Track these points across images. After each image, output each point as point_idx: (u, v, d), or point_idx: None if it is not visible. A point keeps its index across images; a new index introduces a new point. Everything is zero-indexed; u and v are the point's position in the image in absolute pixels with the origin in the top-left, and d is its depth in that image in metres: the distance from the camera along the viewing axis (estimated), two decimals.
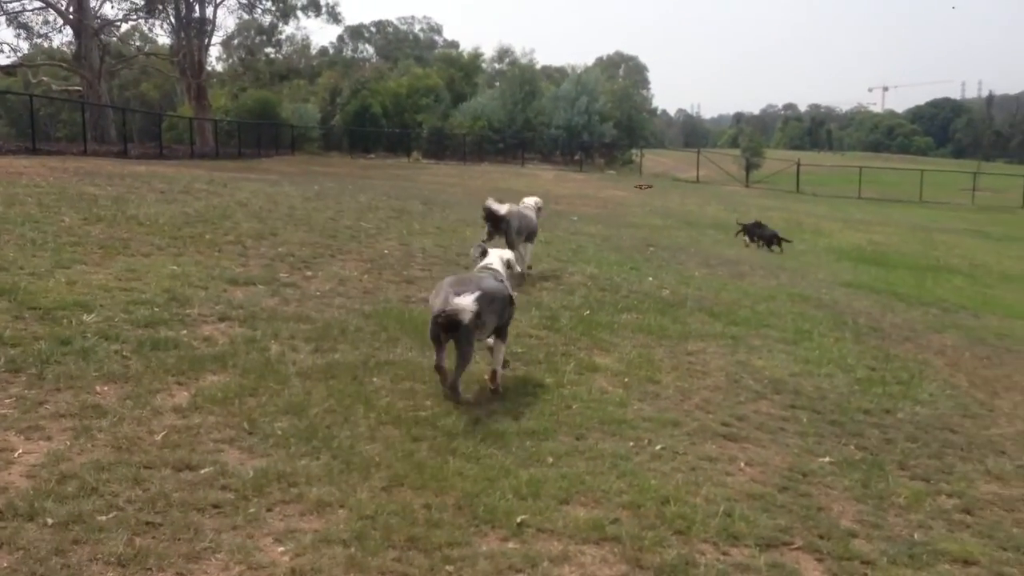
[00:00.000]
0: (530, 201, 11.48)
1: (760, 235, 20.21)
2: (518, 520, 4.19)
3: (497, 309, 6.10)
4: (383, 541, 3.83)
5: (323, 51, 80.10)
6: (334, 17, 55.35)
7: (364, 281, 9.24)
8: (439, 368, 5.84)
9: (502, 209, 10.25)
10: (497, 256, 6.91)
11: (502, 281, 6.43)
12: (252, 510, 3.97)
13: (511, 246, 9.91)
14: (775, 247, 19.74)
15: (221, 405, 5.17)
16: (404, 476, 4.52)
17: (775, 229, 20.56)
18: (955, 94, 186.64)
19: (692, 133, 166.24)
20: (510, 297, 6.36)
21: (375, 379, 6.01)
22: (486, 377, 6.18)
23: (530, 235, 10.92)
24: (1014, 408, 7.71)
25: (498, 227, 10.25)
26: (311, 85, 66.80)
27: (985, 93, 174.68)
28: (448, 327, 5.65)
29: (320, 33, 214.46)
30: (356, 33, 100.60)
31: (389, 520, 4.02)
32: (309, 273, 9.26)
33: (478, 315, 5.66)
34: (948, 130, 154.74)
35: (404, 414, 5.40)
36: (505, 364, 6.45)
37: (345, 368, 6.14)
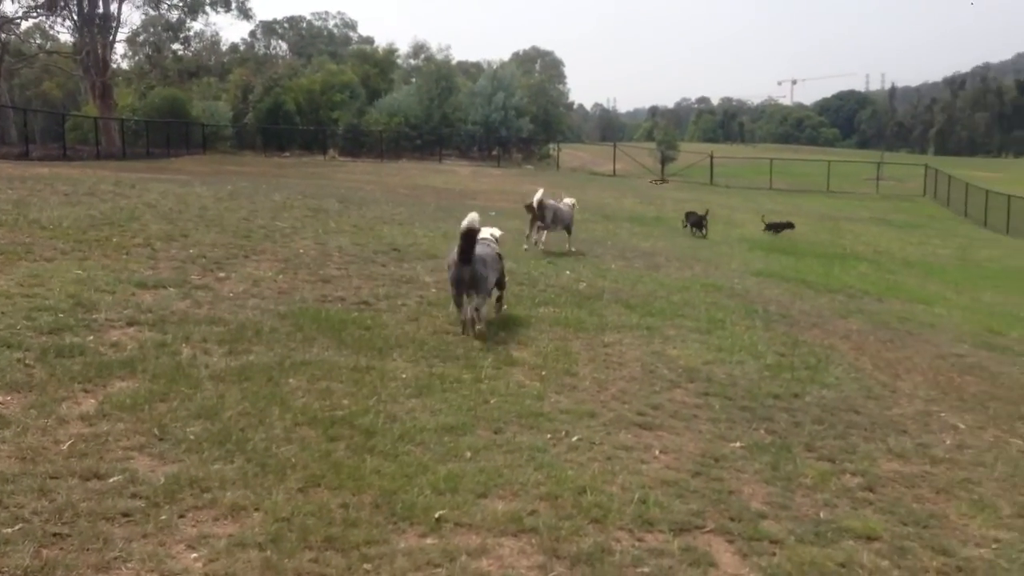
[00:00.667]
0: (568, 200, 15.37)
1: (692, 220, 22.57)
2: (436, 516, 4.21)
3: (496, 267, 8.12)
4: (299, 543, 3.81)
5: (234, 48, 78.53)
6: (244, 13, 54.45)
7: (279, 281, 9.12)
8: (464, 321, 7.76)
9: (547, 200, 14.21)
10: (488, 232, 8.65)
11: (493, 247, 8.33)
12: (164, 517, 3.90)
13: (546, 229, 14.27)
14: (698, 231, 21.92)
15: (130, 412, 5.06)
16: (321, 476, 4.49)
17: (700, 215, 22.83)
18: (860, 86, 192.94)
19: (608, 127, 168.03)
20: (500, 256, 8.41)
21: (291, 380, 5.96)
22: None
23: (567, 226, 14.77)
24: (914, 388, 8.03)
25: (541, 215, 14.14)
26: (222, 83, 65.45)
27: (888, 85, 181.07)
28: (467, 250, 7.49)
29: (231, 29, 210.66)
30: (269, 29, 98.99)
31: (305, 521, 3.99)
32: (222, 274, 9.11)
33: (484, 263, 7.68)
34: (853, 121, 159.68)
35: (321, 414, 5.36)
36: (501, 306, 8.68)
37: (260, 370, 6.06)
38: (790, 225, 24.76)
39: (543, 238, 14.37)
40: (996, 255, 26.84)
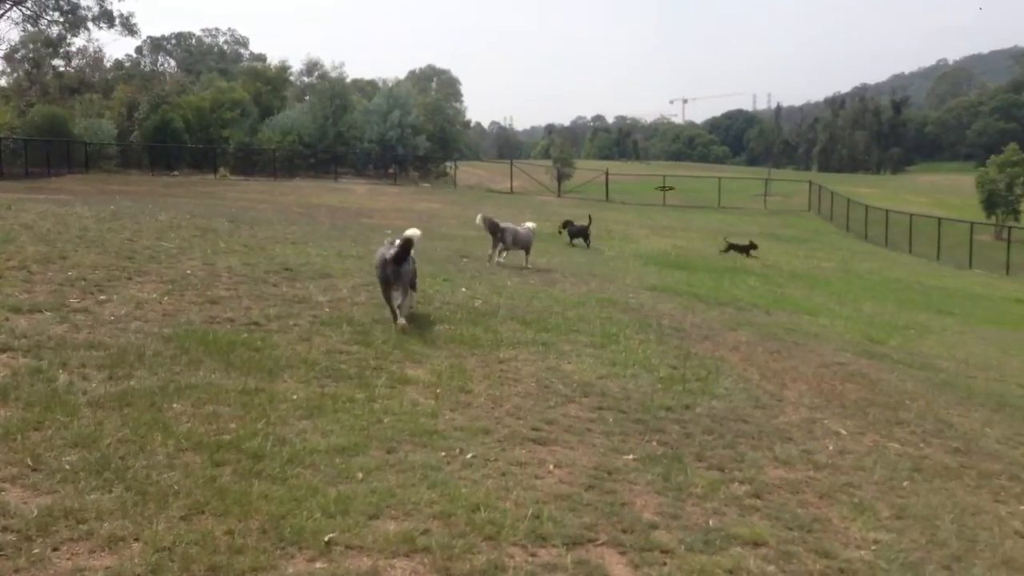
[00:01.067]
0: (529, 224, 17.16)
1: (572, 231, 22.96)
2: (326, 539, 4.13)
3: (412, 269, 9.22)
4: (181, 572, 3.68)
5: (119, 64, 76.19)
6: (129, 28, 53.11)
7: (164, 303, 8.82)
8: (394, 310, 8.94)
9: (501, 223, 16.27)
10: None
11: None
12: (36, 551, 3.71)
13: (504, 250, 16.27)
14: (580, 240, 22.57)
15: (2, 441, 4.80)
16: (205, 503, 4.35)
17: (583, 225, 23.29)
18: (748, 106, 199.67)
19: (505, 145, 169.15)
20: (414, 260, 9.35)
21: (175, 405, 5.76)
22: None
23: (526, 247, 16.47)
24: (799, 397, 8.28)
25: (502, 237, 16.15)
26: (107, 100, 63.33)
27: (774, 105, 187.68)
28: (401, 255, 8.82)
29: (115, 45, 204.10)
30: (157, 46, 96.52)
31: (188, 550, 3.86)
32: (103, 297, 8.76)
33: (406, 261, 8.90)
34: (742, 139, 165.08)
35: (206, 439, 5.20)
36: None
37: (142, 395, 5.84)
38: (753, 246, 25.33)
39: (502, 257, 16.30)
40: (876, 267, 28.06)
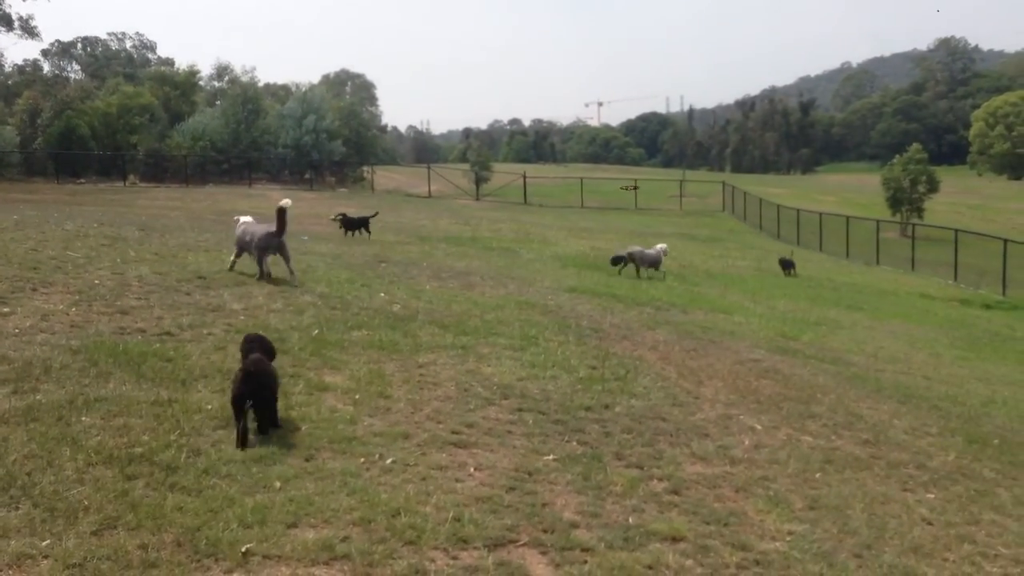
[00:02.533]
0: (660, 246, 20.62)
1: (349, 224, 22.72)
2: (243, 549, 4.07)
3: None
4: None
5: (21, 69, 73.63)
6: (29, 31, 51.31)
7: (71, 314, 8.55)
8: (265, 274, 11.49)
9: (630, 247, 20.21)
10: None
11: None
12: None
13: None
14: (360, 232, 22.53)
15: None
16: (117, 517, 4.24)
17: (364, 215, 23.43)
18: (661, 108, 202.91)
19: (423, 149, 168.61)
20: None
21: (84, 418, 5.59)
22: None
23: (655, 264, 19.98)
24: (716, 394, 8.46)
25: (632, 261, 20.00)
26: (8, 106, 61.08)
27: (686, 107, 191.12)
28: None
29: (15, 49, 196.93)
30: (62, 50, 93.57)
31: (99, 566, 3.76)
32: (6, 309, 8.45)
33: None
34: (657, 141, 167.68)
35: (117, 452, 5.07)
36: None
37: (49, 409, 5.66)
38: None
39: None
40: None
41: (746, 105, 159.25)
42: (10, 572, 3.68)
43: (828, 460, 6.82)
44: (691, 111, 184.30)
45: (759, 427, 7.42)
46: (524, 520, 4.82)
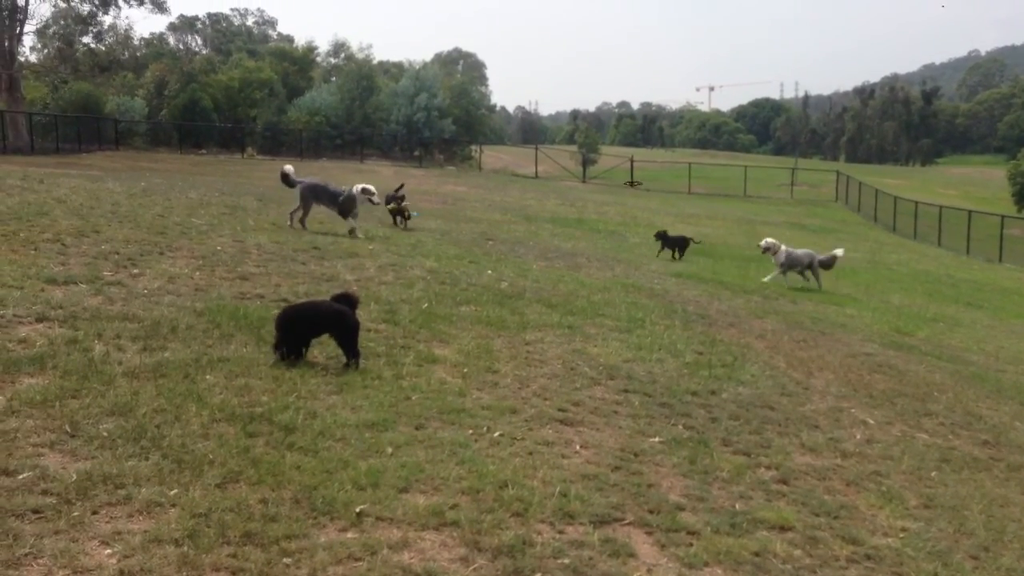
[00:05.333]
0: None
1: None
2: (357, 510, 4.19)
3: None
4: (217, 538, 3.75)
5: (149, 42, 76.63)
6: (159, 6, 53.05)
7: (196, 278, 8.93)
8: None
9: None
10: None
11: None
12: (76, 514, 3.80)
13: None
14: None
15: (40, 408, 4.91)
16: (239, 472, 4.42)
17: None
18: (775, 94, 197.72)
19: (530, 130, 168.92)
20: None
21: (208, 376, 5.84)
22: None
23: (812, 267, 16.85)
24: (826, 386, 8.27)
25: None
26: (138, 78, 63.71)
27: (801, 94, 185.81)
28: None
29: (144, 23, 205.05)
30: (187, 24, 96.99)
31: (223, 517, 3.93)
32: (136, 271, 8.87)
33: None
34: (769, 128, 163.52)
35: (239, 410, 5.28)
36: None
37: (176, 366, 5.93)
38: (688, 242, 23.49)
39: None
40: (904, 259, 27.84)
41: (865, 92, 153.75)
42: (141, 518, 3.88)
43: (944, 459, 6.60)
44: (806, 97, 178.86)
45: (871, 422, 7.23)
46: (630, 499, 4.82)
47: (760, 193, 53.72)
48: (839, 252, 17.87)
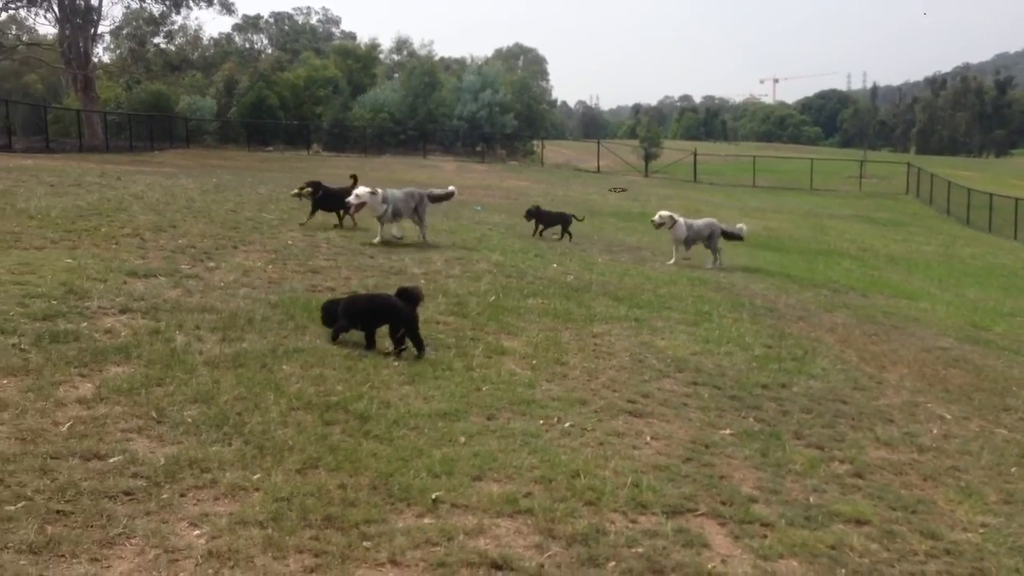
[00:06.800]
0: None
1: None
2: (433, 497, 4.26)
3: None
4: (299, 521, 3.85)
5: (216, 42, 78.14)
6: (227, 7, 54.13)
7: (269, 271, 9.14)
8: None
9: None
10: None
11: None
12: (165, 496, 3.94)
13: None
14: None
15: (127, 395, 5.09)
16: (318, 459, 4.53)
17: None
18: (841, 85, 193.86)
19: (591, 124, 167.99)
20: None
21: (284, 366, 5.99)
22: None
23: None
24: (900, 380, 8.13)
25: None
26: (207, 77, 65.08)
27: (869, 84, 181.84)
28: None
29: (213, 24, 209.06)
30: (251, 24, 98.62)
31: (305, 501, 4.04)
32: (211, 264, 9.11)
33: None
34: (836, 120, 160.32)
35: (315, 399, 5.40)
36: None
37: (253, 356, 6.09)
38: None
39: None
40: (979, 252, 27.11)
41: (936, 82, 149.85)
42: (226, 501, 4.00)
43: None
44: (875, 88, 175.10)
45: (948, 416, 7.09)
46: (702, 491, 4.82)
47: (827, 186, 52.79)
48: (743, 227, 16.47)
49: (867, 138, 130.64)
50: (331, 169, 34.84)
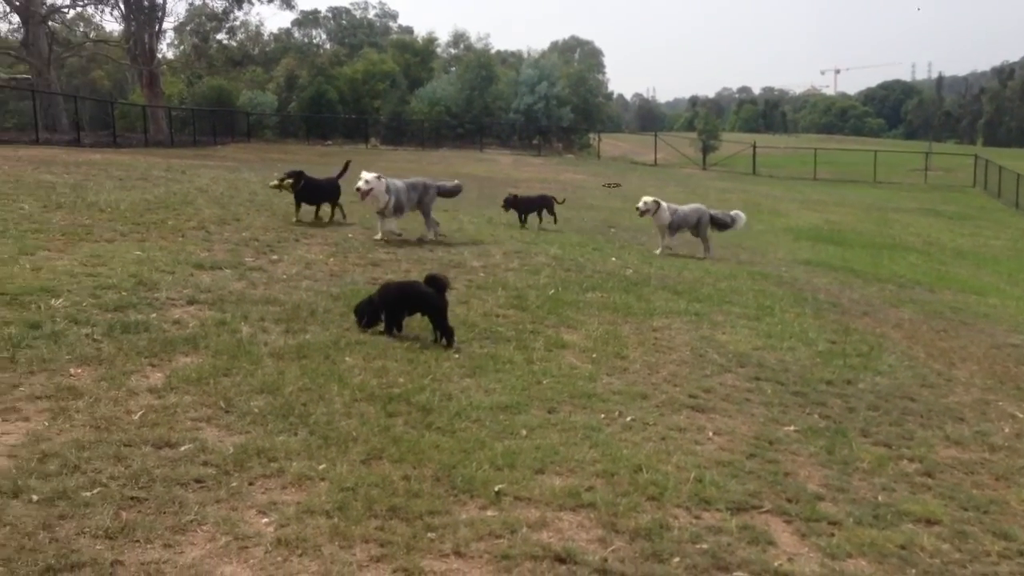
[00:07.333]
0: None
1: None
2: (496, 489, 4.28)
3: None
4: (365, 511, 3.89)
5: (276, 37, 79.16)
6: (287, 2, 54.75)
7: (330, 264, 9.25)
8: None
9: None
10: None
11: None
12: (234, 484, 4.02)
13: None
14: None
15: (196, 385, 5.20)
16: (382, 450, 4.58)
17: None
18: (906, 76, 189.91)
19: (648, 117, 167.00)
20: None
21: (347, 358, 6.06)
22: None
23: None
24: (970, 377, 7.94)
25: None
26: (267, 72, 65.98)
27: (935, 75, 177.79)
28: None
29: (273, 19, 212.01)
30: (310, 19, 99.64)
31: (370, 491, 4.08)
32: (275, 257, 9.26)
33: None
34: (899, 111, 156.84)
35: (378, 391, 5.46)
36: None
37: (317, 348, 6.17)
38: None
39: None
40: None
41: (1004, 72, 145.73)
42: (293, 490, 4.07)
43: None
44: (940, 79, 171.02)
45: (1021, 415, 6.90)
46: (766, 487, 4.77)
47: (891, 179, 51.68)
48: (739, 213, 14.96)
49: (932, 130, 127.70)
50: (388, 163, 35.11)
